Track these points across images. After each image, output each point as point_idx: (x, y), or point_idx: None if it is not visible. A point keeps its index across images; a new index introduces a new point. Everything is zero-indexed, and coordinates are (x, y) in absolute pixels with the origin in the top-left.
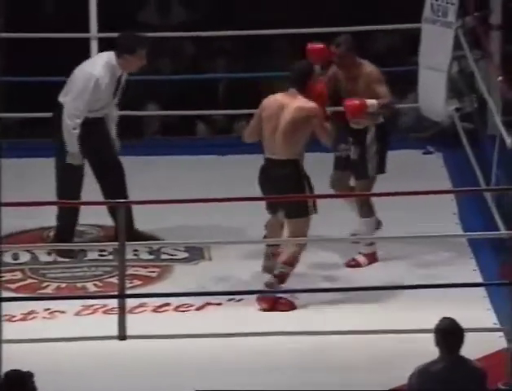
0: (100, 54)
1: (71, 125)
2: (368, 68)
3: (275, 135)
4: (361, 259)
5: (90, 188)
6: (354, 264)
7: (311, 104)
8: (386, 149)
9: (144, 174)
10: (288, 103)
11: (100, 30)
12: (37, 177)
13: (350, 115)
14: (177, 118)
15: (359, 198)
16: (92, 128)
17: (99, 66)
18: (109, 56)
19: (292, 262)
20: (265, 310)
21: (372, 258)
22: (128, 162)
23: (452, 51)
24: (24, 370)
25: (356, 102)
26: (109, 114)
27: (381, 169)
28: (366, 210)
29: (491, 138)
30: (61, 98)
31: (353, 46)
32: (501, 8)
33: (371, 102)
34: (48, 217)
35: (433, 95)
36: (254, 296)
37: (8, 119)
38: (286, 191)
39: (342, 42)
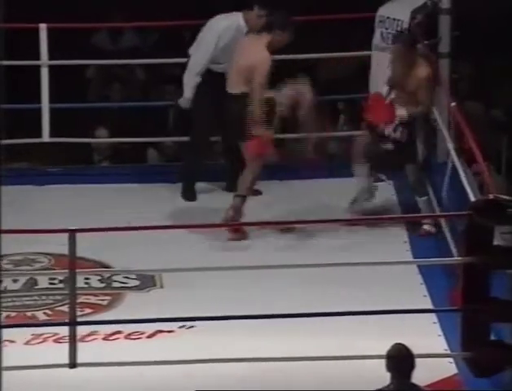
0: (232, 13)
1: (193, 71)
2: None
3: None
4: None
5: (52, 212)
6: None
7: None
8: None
9: (93, 200)
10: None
11: (51, 55)
12: None
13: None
14: (127, 145)
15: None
16: (212, 80)
17: (224, 21)
18: (238, 16)
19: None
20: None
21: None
22: (76, 189)
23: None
24: None
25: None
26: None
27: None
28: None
29: (441, 165)
30: (190, 51)
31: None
32: (449, 36)
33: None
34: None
35: None
36: (206, 323)
37: None
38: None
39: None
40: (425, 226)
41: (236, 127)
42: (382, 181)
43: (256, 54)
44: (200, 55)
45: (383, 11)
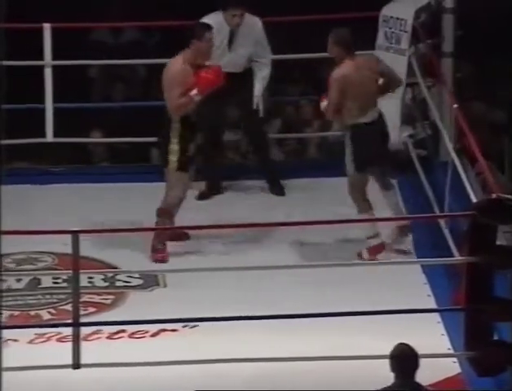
0: (216, 12)
1: None
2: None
3: None
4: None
5: (53, 212)
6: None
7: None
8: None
9: (96, 200)
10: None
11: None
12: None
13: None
14: (130, 144)
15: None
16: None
17: (206, 20)
18: (219, 15)
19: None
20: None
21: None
22: (79, 189)
23: (406, 78)
24: None
25: None
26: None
27: None
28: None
29: (443, 165)
30: None
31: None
32: (453, 36)
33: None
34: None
35: (387, 122)
36: (209, 323)
37: None
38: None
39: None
40: (364, 253)
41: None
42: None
43: (167, 68)
44: None
45: (387, 11)
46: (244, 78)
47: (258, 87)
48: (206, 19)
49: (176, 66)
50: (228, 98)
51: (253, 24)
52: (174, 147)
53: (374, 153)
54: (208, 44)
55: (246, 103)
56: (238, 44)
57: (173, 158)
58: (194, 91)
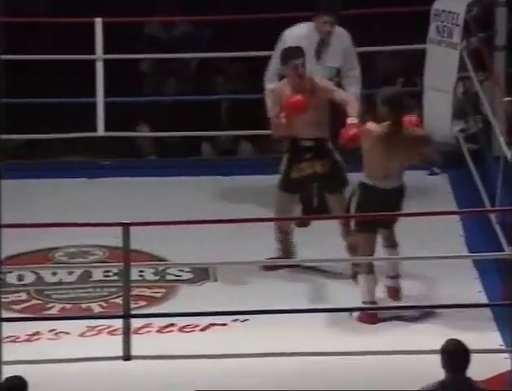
0: (306, 22)
1: (266, 77)
2: None
3: None
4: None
5: (104, 205)
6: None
7: None
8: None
9: (147, 195)
10: None
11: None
12: (43, 197)
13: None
14: (181, 139)
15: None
16: None
17: (296, 29)
18: (309, 25)
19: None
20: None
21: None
22: (128, 183)
23: (458, 72)
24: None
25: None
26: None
27: None
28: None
29: (495, 159)
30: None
31: None
32: (506, 29)
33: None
34: (54, 239)
35: (438, 116)
36: (259, 317)
37: (13, 140)
38: None
39: None
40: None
41: None
42: (437, 174)
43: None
44: (270, 63)
45: (439, 5)
46: None
47: (353, 108)
48: (297, 28)
49: (280, 84)
50: None
51: (342, 35)
52: (282, 166)
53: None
54: (292, 71)
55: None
56: (326, 54)
57: (280, 176)
58: (282, 114)
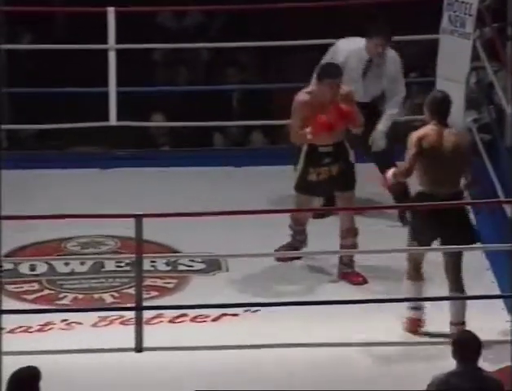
0: (356, 38)
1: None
2: None
3: None
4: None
5: (116, 196)
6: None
7: None
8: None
9: (159, 186)
10: None
11: (118, 38)
12: (56, 188)
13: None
14: (192, 129)
15: None
16: None
17: (352, 45)
18: (362, 42)
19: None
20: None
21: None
22: (142, 173)
23: (470, 62)
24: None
25: None
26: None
27: None
28: None
29: (508, 149)
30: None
31: None
32: None
33: None
34: (66, 229)
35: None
36: (271, 307)
37: (23, 131)
38: None
39: None
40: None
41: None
42: None
43: (297, 95)
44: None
45: None
46: (369, 109)
47: (384, 123)
48: (347, 42)
49: (302, 97)
50: None
51: (392, 58)
52: (298, 166)
53: (431, 227)
54: (326, 89)
55: (363, 135)
56: (373, 75)
57: (296, 177)
58: (309, 129)
